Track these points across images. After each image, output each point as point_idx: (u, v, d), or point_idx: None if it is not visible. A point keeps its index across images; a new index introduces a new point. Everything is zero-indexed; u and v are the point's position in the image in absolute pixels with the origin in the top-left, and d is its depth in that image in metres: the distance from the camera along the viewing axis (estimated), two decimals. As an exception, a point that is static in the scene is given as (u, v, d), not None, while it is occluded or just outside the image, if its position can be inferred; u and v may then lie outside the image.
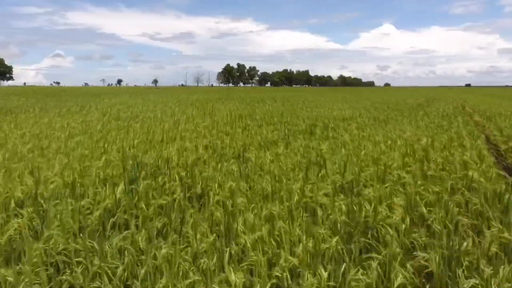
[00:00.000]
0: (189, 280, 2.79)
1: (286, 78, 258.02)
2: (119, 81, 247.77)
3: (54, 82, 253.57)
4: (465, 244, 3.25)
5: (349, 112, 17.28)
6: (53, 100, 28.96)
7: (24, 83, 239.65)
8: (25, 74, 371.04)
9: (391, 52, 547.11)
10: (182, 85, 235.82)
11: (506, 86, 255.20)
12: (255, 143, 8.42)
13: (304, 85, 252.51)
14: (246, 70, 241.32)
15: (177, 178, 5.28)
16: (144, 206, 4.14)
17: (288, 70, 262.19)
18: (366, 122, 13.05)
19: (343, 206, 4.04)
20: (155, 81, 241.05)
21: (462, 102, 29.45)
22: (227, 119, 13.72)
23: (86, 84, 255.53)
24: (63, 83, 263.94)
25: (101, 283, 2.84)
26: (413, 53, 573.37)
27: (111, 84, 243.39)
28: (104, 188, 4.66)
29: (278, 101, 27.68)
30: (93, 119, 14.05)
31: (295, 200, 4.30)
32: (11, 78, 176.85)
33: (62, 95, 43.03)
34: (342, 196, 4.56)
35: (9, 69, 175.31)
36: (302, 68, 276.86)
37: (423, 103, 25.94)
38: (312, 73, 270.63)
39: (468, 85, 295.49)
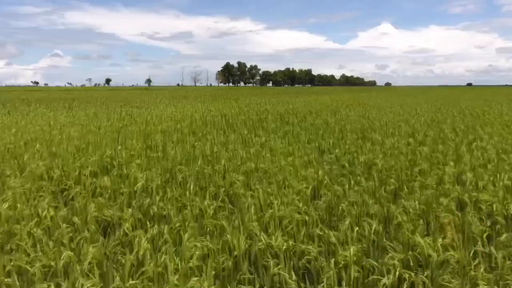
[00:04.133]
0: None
1: (289, 77, 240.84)
2: (108, 81, 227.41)
3: (32, 82, 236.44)
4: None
5: None
6: None
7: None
8: (24, 73, 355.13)
9: (390, 51, 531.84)
10: (179, 84, 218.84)
11: (506, 85, 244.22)
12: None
13: (307, 85, 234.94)
14: (247, 69, 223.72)
15: None
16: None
17: (290, 69, 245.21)
18: None
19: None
20: (149, 81, 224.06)
21: None
22: None
23: (69, 84, 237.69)
24: (59, 83, 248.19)
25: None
26: (411, 53, 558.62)
27: (98, 84, 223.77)
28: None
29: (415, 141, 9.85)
30: None
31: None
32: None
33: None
34: None
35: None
36: (302, 67, 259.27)
37: None
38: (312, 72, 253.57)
39: (469, 84, 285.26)
